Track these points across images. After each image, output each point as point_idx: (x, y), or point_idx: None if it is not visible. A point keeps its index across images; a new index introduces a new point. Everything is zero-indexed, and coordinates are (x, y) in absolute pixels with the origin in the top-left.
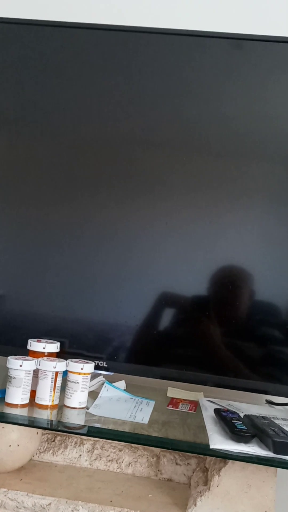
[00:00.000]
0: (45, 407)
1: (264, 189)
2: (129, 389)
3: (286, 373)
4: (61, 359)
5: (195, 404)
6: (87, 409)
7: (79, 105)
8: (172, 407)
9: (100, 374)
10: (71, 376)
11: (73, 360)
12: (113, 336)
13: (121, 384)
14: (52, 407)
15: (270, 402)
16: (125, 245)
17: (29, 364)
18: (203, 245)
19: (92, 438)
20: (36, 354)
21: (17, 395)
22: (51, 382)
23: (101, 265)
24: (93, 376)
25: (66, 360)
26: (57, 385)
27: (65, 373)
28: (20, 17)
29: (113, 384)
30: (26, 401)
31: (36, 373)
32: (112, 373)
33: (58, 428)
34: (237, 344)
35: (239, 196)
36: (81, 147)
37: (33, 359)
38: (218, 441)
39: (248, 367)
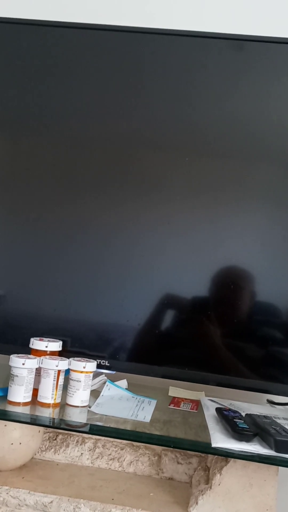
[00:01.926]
0: (47, 405)
1: (266, 190)
2: (130, 388)
3: (287, 373)
4: (64, 358)
5: (197, 403)
6: (89, 407)
7: (81, 106)
8: (174, 406)
9: (102, 373)
10: (73, 375)
11: (75, 358)
12: (115, 335)
13: (123, 383)
14: (54, 405)
15: (271, 402)
16: (128, 245)
17: (31, 363)
18: (205, 246)
19: (93, 437)
20: (39, 353)
21: (20, 394)
22: (53, 380)
23: (103, 265)
24: (95, 375)
25: (68, 358)
26: (59, 383)
27: (67, 371)
28: (21, 17)
29: (115, 383)
30: (29, 399)
31: (38, 371)
32: (114, 372)
33: (60, 426)
34: (238, 344)
35: (241, 197)
36: (85, 149)
37: (35, 358)
38: (220, 440)
39: (249, 367)
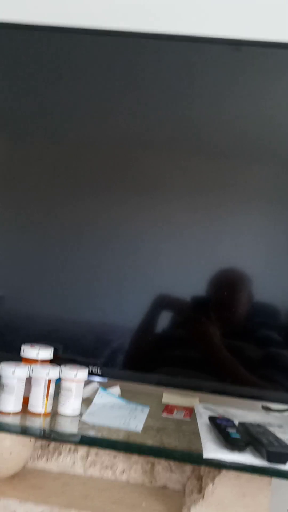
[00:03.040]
0: (38, 414)
1: (264, 192)
2: (123, 394)
3: (282, 380)
4: (55, 365)
5: (190, 411)
6: (81, 416)
7: (80, 108)
8: (167, 414)
9: (94, 381)
10: (64, 383)
11: (67, 366)
12: (108, 342)
13: (116, 390)
14: (45, 415)
15: (266, 408)
16: (125, 249)
17: (21, 371)
18: (202, 248)
19: None
20: (29, 361)
21: (10, 403)
22: (44, 389)
23: (99, 270)
24: (88, 382)
25: (60, 366)
26: (50, 392)
27: (59, 379)
28: (20, 21)
29: (108, 389)
30: (19, 408)
31: (29, 379)
32: (106, 380)
33: (51, 437)
34: (233, 351)
35: (238, 199)
36: (82, 150)
37: (25, 366)
38: (212, 450)
39: (244, 374)
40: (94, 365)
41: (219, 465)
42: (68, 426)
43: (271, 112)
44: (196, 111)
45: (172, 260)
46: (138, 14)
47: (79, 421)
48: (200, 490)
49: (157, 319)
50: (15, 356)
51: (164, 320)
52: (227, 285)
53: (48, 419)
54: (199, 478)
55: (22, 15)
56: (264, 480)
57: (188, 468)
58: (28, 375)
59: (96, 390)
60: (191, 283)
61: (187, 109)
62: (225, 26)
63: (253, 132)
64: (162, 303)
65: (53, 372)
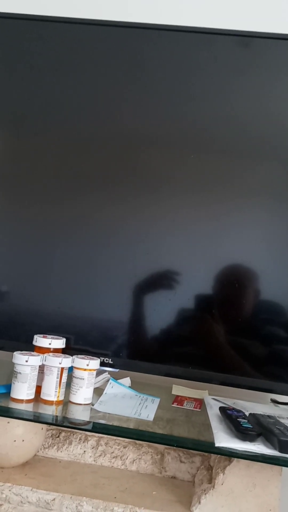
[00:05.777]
0: (50, 402)
1: (270, 187)
2: (134, 386)
3: None
4: (67, 355)
5: (200, 402)
6: (92, 405)
7: (84, 103)
8: (177, 405)
9: (105, 371)
10: (76, 372)
11: (79, 356)
12: (119, 333)
13: (126, 381)
14: (58, 402)
15: (275, 401)
16: (132, 242)
17: (35, 360)
18: (209, 243)
19: (96, 435)
20: (42, 350)
21: (23, 391)
22: (57, 378)
23: (107, 262)
24: (99, 373)
25: (71, 356)
26: (62, 381)
27: (71, 369)
28: (22, 13)
29: (118, 381)
30: (32, 396)
31: (41, 368)
32: (117, 370)
33: (63, 424)
34: (242, 343)
35: (245, 194)
36: (85, 146)
37: (39, 355)
38: (224, 439)
39: (253, 366)
40: (105, 355)
41: (230, 454)
42: (80, 414)
43: (278, 108)
44: (202, 107)
45: (179, 256)
46: (143, 5)
47: (91, 409)
48: (210, 480)
49: (167, 313)
50: (26, 347)
51: (174, 314)
52: (235, 282)
53: (60, 407)
54: (209, 469)
55: (23, 6)
56: (274, 470)
57: (197, 459)
58: (41, 364)
59: (107, 381)
60: (197, 279)
61: (193, 105)
62: (231, 18)
63: (259, 128)
64: (172, 299)
65: (66, 361)
